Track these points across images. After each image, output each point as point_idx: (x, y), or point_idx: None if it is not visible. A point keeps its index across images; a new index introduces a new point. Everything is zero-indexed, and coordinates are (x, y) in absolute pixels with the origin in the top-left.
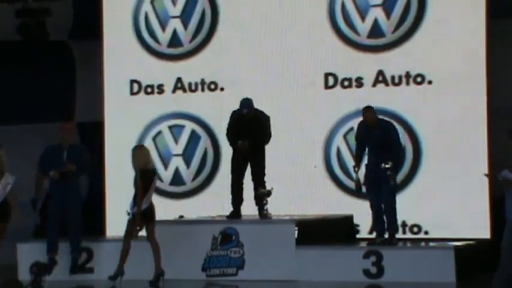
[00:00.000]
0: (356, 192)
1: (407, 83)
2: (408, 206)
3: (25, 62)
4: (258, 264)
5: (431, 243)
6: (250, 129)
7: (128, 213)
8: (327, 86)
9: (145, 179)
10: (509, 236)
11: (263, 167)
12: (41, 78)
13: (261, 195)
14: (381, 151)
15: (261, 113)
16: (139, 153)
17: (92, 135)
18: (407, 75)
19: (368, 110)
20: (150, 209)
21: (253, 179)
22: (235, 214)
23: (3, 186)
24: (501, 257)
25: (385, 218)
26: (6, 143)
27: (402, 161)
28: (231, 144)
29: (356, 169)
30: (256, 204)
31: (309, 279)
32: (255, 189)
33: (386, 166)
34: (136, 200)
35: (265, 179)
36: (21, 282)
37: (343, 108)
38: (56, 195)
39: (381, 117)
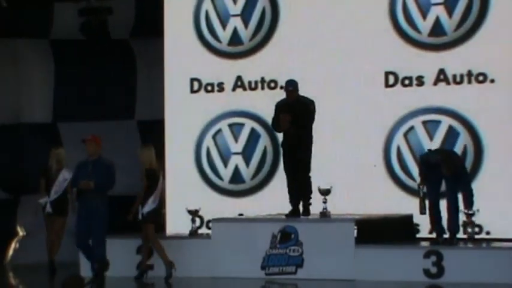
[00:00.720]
0: (420, 213)
1: (469, 82)
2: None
3: (88, 60)
4: (317, 263)
5: (492, 244)
6: (293, 111)
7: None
8: (387, 85)
9: (150, 178)
10: None
11: (305, 157)
12: (103, 76)
13: (321, 194)
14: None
15: (305, 97)
16: (144, 152)
17: (153, 133)
18: (469, 73)
19: None
20: (158, 211)
21: (293, 169)
22: (294, 212)
23: (61, 181)
24: None
25: (446, 216)
26: (68, 141)
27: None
28: (276, 129)
29: (421, 187)
30: (299, 197)
31: (368, 279)
32: (295, 179)
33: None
34: (147, 199)
35: (323, 176)
36: (83, 278)
37: (403, 107)
38: (79, 211)
39: None
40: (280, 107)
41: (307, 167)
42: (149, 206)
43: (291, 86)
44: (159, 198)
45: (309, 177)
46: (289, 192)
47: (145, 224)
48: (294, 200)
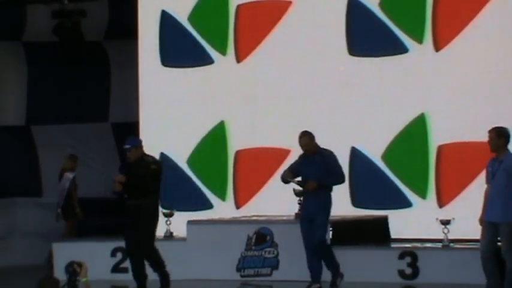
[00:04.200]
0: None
1: None
2: None
3: (61, 62)
4: (292, 264)
5: (467, 244)
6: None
7: (165, 214)
8: None
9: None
10: None
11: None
12: (76, 78)
13: (296, 195)
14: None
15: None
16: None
17: (126, 135)
18: None
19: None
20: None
21: None
22: None
23: (63, 183)
24: None
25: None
26: (42, 143)
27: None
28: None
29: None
30: None
31: (343, 280)
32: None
33: None
34: None
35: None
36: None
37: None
38: None
39: None
40: None
41: None
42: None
43: (128, 144)
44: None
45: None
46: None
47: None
48: None
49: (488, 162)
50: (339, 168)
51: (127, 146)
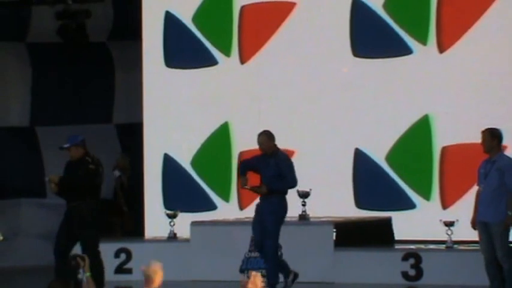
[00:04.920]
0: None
1: None
2: None
3: (65, 63)
4: (295, 265)
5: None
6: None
7: (168, 215)
8: None
9: None
10: None
11: None
12: (80, 79)
13: (300, 196)
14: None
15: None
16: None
17: (130, 136)
18: None
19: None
20: None
21: None
22: None
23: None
24: None
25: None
26: (46, 145)
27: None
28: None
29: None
30: None
31: (347, 282)
32: None
33: None
34: None
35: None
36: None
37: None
38: None
39: None
40: None
41: None
42: None
43: (68, 143)
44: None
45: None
46: None
47: None
48: None
49: (481, 164)
50: (292, 173)
51: (66, 145)
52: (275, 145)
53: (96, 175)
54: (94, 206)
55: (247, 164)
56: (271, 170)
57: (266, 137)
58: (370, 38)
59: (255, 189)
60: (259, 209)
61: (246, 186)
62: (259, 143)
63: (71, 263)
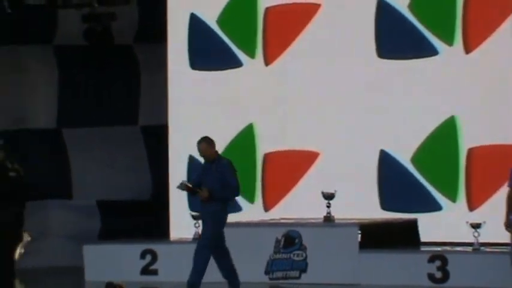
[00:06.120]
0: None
1: None
2: None
3: (91, 66)
4: (321, 267)
5: (497, 248)
6: None
7: (193, 217)
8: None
9: None
10: None
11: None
12: (106, 82)
13: (325, 198)
14: None
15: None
16: None
17: (156, 138)
18: None
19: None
20: None
21: None
22: None
23: None
24: None
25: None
26: (72, 146)
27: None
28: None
29: None
30: None
31: (372, 284)
32: None
33: None
34: None
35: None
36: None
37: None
38: None
39: None
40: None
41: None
42: None
43: None
44: None
45: None
46: None
47: None
48: None
49: None
50: (234, 180)
51: None
52: (216, 152)
53: (18, 184)
54: (15, 218)
55: (195, 181)
56: (213, 177)
57: (206, 144)
58: (395, 39)
59: (195, 191)
60: (201, 215)
61: (183, 185)
62: (200, 150)
63: None
